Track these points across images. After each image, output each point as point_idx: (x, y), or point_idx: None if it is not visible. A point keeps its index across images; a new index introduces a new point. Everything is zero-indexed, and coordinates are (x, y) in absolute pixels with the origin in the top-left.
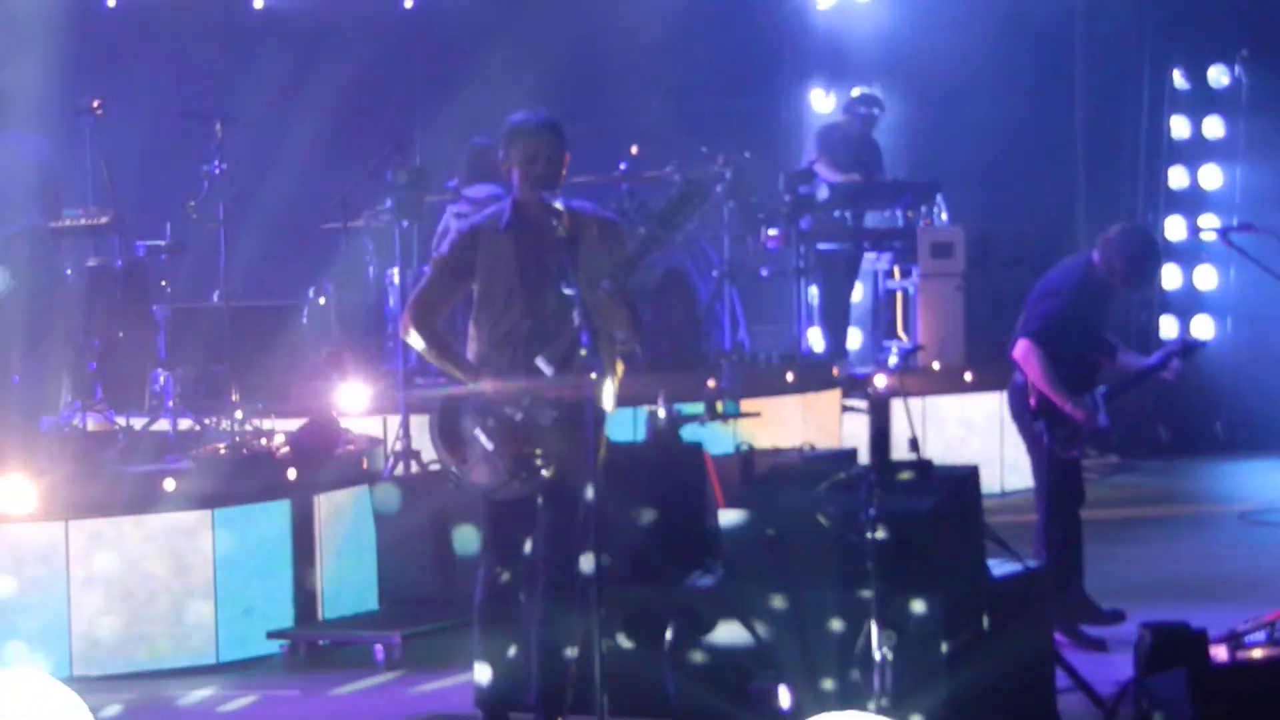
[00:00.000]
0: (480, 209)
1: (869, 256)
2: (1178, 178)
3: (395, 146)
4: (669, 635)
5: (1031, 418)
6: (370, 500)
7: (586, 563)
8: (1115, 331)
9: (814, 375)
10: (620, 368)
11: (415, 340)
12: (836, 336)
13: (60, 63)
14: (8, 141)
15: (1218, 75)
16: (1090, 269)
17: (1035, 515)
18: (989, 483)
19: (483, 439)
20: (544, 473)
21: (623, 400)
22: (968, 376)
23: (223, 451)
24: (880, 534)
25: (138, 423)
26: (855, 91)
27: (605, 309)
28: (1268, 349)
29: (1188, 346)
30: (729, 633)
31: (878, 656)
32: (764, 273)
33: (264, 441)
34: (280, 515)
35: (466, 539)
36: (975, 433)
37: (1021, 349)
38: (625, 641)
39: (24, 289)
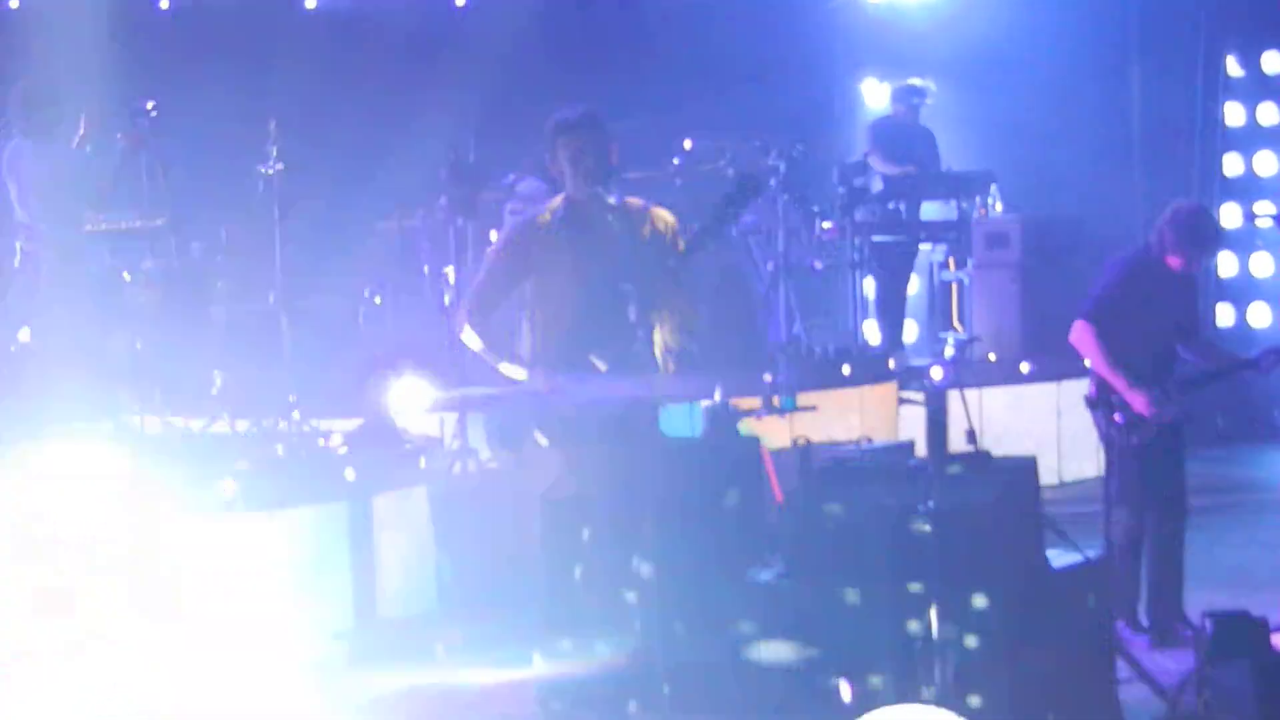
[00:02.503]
0: (529, 205)
1: (924, 248)
2: (1232, 165)
3: (449, 145)
4: (730, 630)
5: (1091, 405)
6: (428, 500)
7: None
8: None
9: (870, 368)
10: (672, 366)
11: (470, 337)
12: (892, 329)
13: (114, 65)
14: (49, 152)
15: (1272, 61)
16: (1145, 250)
17: (1095, 505)
18: (1047, 473)
19: (539, 436)
20: (601, 469)
21: (678, 394)
22: (1024, 367)
23: (281, 453)
24: (939, 527)
25: (196, 424)
26: (900, 83)
27: (668, 294)
28: None
29: None
30: (789, 627)
31: (937, 650)
32: (819, 265)
33: (322, 442)
34: (339, 516)
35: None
36: (1033, 423)
37: (1075, 330)
38: (687, 636)
39: (55, 298)
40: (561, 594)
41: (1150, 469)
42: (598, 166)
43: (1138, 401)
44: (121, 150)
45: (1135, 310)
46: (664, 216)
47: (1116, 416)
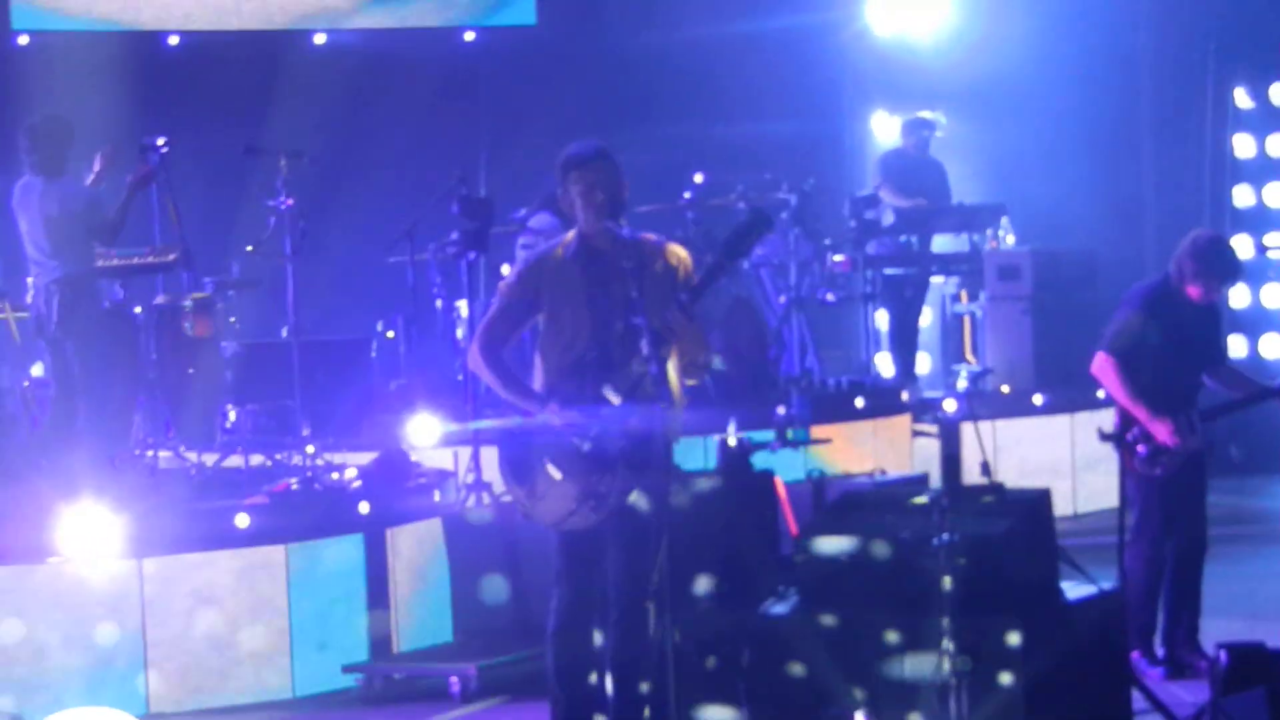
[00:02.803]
0: (541, 239)
1: (936, 280)
2: (1243, 196)
3: (459, 179)
4: (744, 662)
5: (1113, 438)
6: (443, 533)
7: (659, 592)
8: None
9: (883, 400)
10: (683, 401)
11: (483, 370)
12: (905, 361)
13: (124, 102)
14: (58, 189)
15: None
16: (1165, 280)
17: (1109, 537)
18: (1061, 505)
19: (551, 469)
20: (613, 502)
21: (692, 428)
22: (1037, 399)
23: (295, 486)
24: (954, 559)
25: (209, 458)
26: (910, 116)
27: (678, 329)
28: None
29: None
30: (804, 660)
31: (952, 682)
32: (831, 298)
33: (335, 475)
34: (353, 549)
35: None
36: (1046, 455)
37: (1097, 362)
38: (699, 669)
39: (70, 333)
40: (572, 623)
41: (1172, 501)
42: (609, 202)
43: (1161, 432)
44: (130, 185)
45: (1156, 341)
46: (676, 251)
47: (1140, 448)
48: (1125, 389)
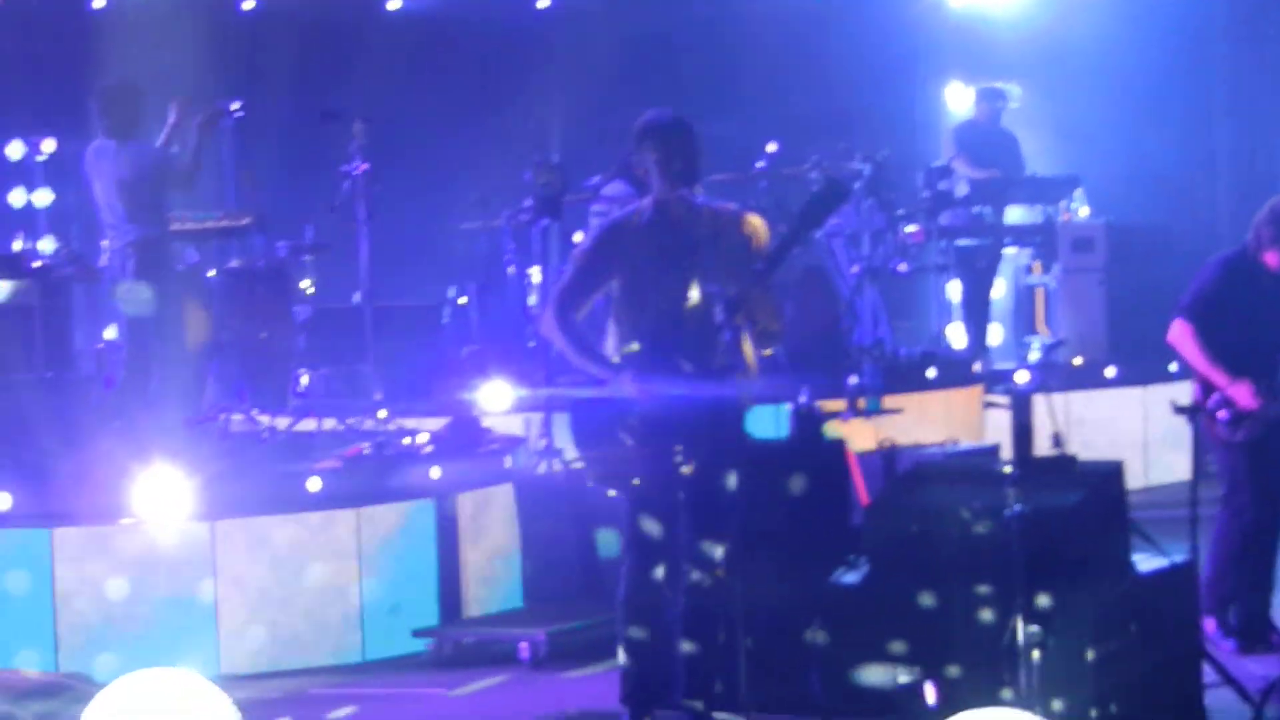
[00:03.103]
0: (615, 207)
1: (1009, 252)
2: None
3: (534, 145)
4: (814, 632)
5: (1190, 411)
6: (514, 498)
7: (730, 560)
8: None
9: (955, 371)
10: (755, 370)
11: (556, 336)
12: (977, 333)
13: (199, 67)
14: (123, 151)
15: None
16: (1243, 250)
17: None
18: (1132, 476)
19: (623, 436)
20: (685, 470)
21: (764, 397)
22: (1110, 371)
23: (366, 451)
24: (1025, 530)
25: (282, 422)
26: (984, 85)
27: (753, 298)
28: None
29: None
30: (874, 629)
31: (1023, 653)
32: (904, 269)
33: (407, 440)
34: (424, 514)
35: (609, 542)
36: (1118, 427)
37: (1174, 329)
38: (770, 639)
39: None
40: (643, 590)
41: (1255, 467)
42: (685, 170)
43: (1242, 395)
44: (198, 127)
45: (1234, 310)
46: (751, 221)
47: (1221, 414)
48: (1203, 354)
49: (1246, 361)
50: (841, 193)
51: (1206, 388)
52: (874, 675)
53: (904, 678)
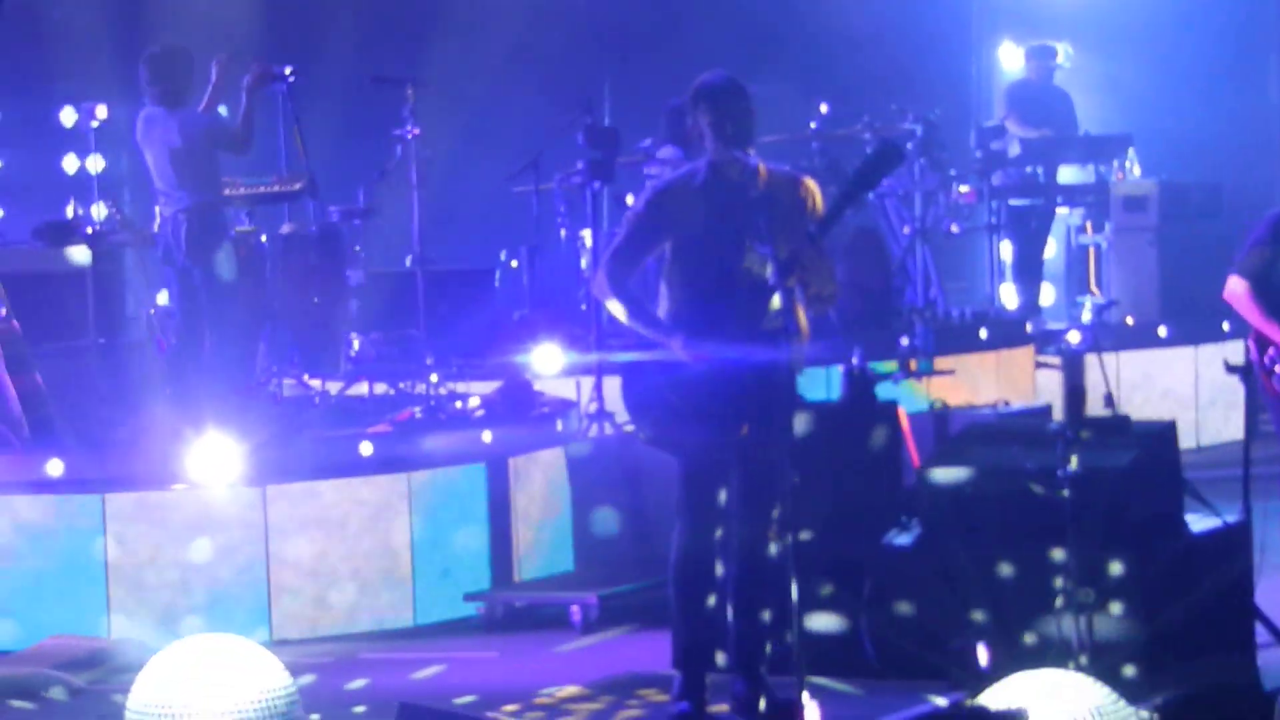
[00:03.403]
0: (667, 169)
1: (1061, 212)
2: None
3: (585, 108)
4: (866, 594)
5: (1243, 370)
6: (565, 462)
7: (782, 523)
8: None
9: (1007, 332)
10: (807, 332)
11: (608, 297)
12: (1029, 293)
13: (252, 31)
14: (172, 119)
15: None
16: None
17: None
18: (1184, 436)
19: (674, 399)
20: (738, 432)
21: (816, 359)
22: (1162, 331)
23: (418, 415)
24: (1077, 491)
25: (333, 387)
26: (1034, 44)
27: (808, 259)
28: None
29: None
30: (926, 591)
31: (1075, 614)
32: (956, 229)
33: (459, 404)
34: (476, 478)
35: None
36: (1170, 387)
37: (1229, 286)
38: (822, 600)
39: (197, 261)
40: (694, 553)
41: None
42: (738, 132)
43: None
44: (247, 88)
45: None
46: (805, 183)
47: (1278, 369)
48: (1259, 310)
49: None
50: (896, 155)
51: (1262, 344)
52: (926, 637)
53: (956, 640)
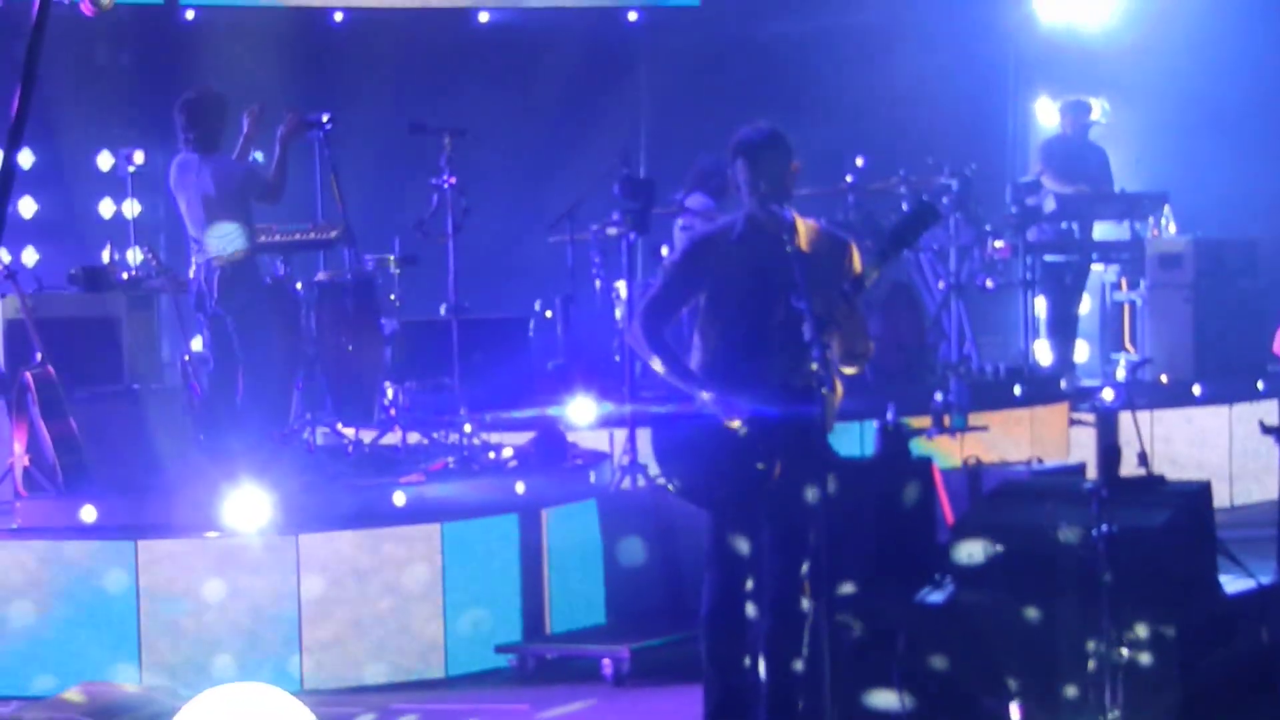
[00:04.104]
0: (701, 220)
1: (1097, 268)
2: None
3: (621, 159)
4: (899, 650)
5: (1276, 431)
6: (597, 514)
7: (815, 578)
8: None
9: (1041, 388)
10: (840, 389)
11: (642, 347)
12: (1064, 349)
13: (290, 78)
14: (207, 166)
15: None
16: None
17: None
18: (1218, 496)
19: (705, 452)
20: (768, 485)
21: (850, 414)
22: (1197, 389)
23: (451, 465)
24: (1111, 550)
25: (367, 436)
26: (1068, 99)
27: (842, 315)
28: None
29: None
30: (959, 649)
31: (1109, 674)
32: (991, 285)
33: (492, 455)
34: (508, 529)
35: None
36: (1205, 446)
37: (1277, 340)
38: (854, 658)
39: (230, 309)
40: (726, 606)
41: None
42: (772, 189)
43: None
44: (281, 139)
45: None
46: (842, 240)
47: None
48: None
49: None
50: (933, 214)
51: None
52: (959, 695)
53: (989, 699)
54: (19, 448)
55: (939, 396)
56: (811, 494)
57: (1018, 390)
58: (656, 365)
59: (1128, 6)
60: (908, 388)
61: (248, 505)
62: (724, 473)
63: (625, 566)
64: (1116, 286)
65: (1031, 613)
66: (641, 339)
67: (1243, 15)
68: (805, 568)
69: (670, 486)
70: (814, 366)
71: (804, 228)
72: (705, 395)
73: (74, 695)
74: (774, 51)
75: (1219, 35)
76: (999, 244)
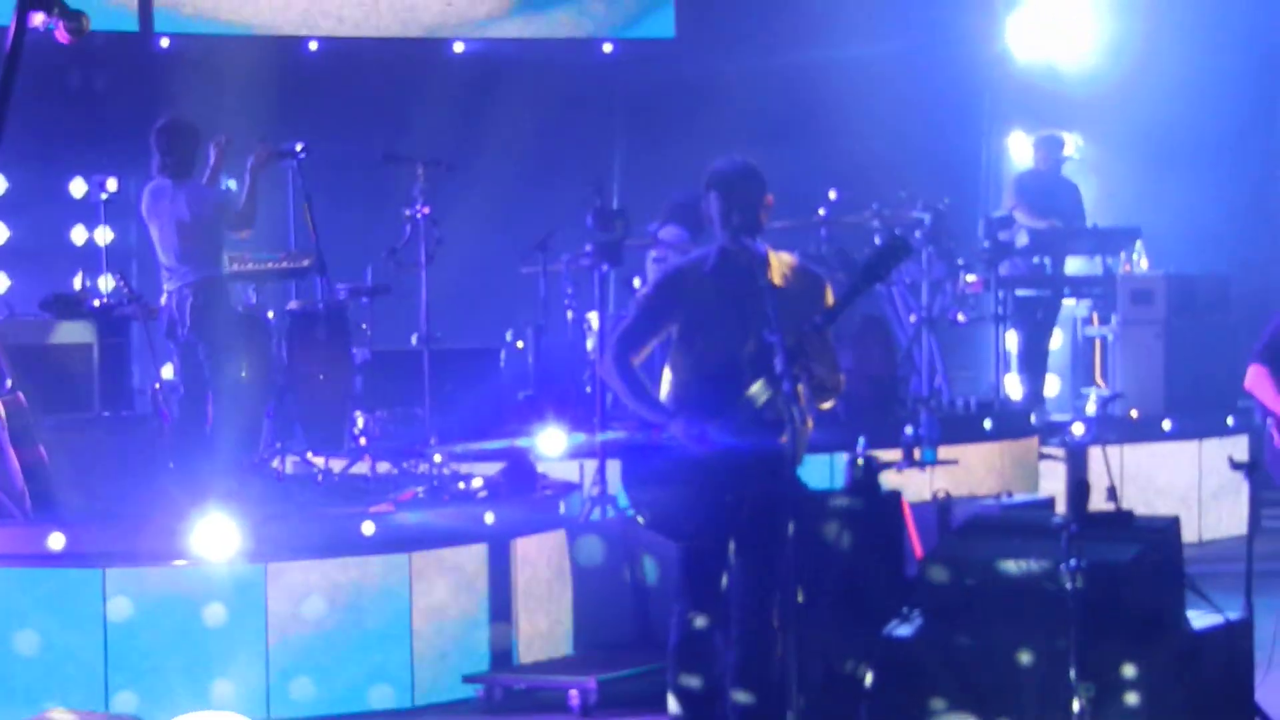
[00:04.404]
0: (672, 252)
1: (1068, 303)
2: None
3: (594, 191)
4: (867, 684)
5: (1246, 467)
6: (567, 544)
7: (783, 611)
8: None
9: (1012, 423)
10: (810, 422)
11: (613, 378)
12: (1035, 384)
13: (264, 107)
14: (182, 192)
15: None
16: None
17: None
18: (1187, 531)
19: (675, 482)
20: (737, 518)
21: (820, 446)
22: (1166, 425)
23: (421, 495)
24: (1080, 585)
25: (337, 465)
26: (1042, 133)
27: (813, 349)
28: None
29: None
30: (927, 683)
31: (1077, 709)
32: (962, 318)
33: (462, 485)
34: (478, 559)
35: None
36: (1174, 481)
37: (1250, 375)
38: (822, 691)
39: (201, 337)
40: (694, 638)
41: None
42: (744, 222)
43: None
44: (251, 169)
45: None
46: (815, 274)
47: None
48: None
49: None
50: (905, 249)
51: None
52: None
53: None
54: None
55: (909, 430)
56: (780, 527)
57: (988, 424)
58: (626, 396)
59: (1101, 44)
60: (878, 421)
61: (217, 533)
62: (692, 505)
63: (594, 597)
64: (1088, 321)
65: (1000, 647)
66: (613, 370)
67: (1214, 53)
68: (774, 600)
69: (638, 518)
70: (784, 399)
71: (779, 261)
72: (673, 426)
73: None
74: (748, 84)
75: (1191, 72)
76: (971, 278)
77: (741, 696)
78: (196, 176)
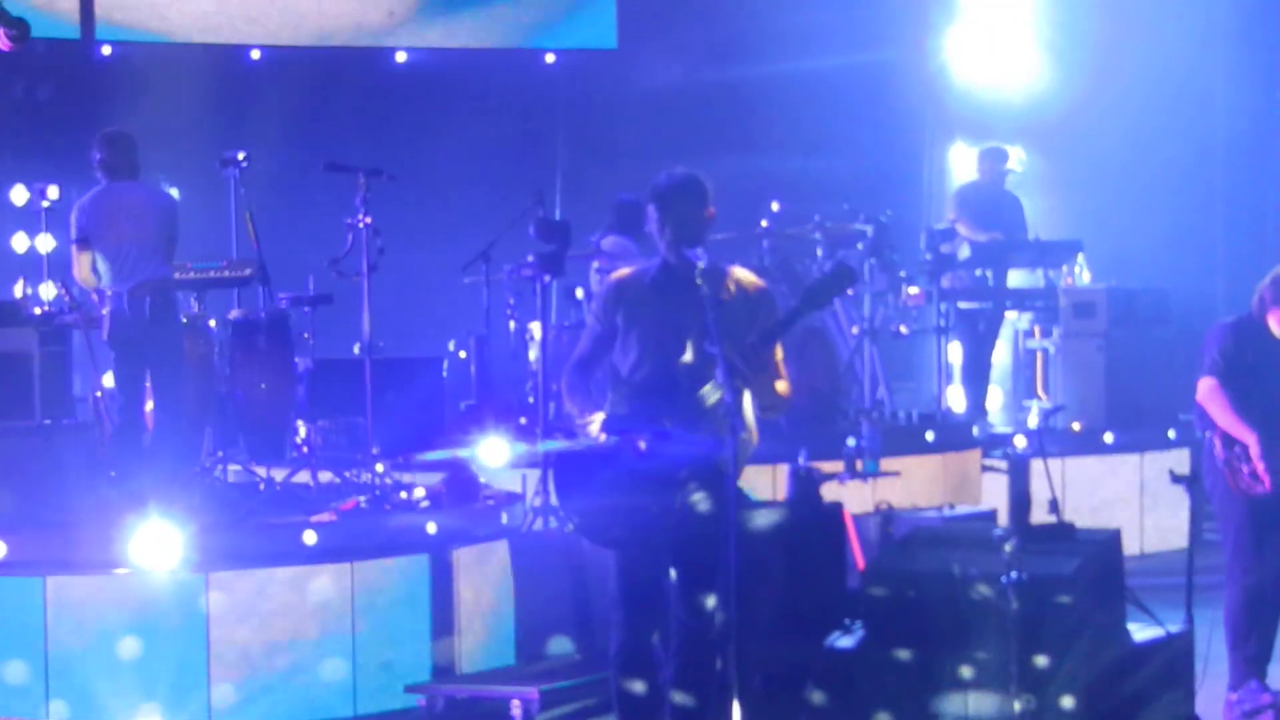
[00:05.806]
0: (614, 262)
1: (1010, 315)
2: None
3: (536, 201)
4: (808, 696)
5: (1186, 480)
6: (509, 554)
7: (723, 622)
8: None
9: (954, 435)
10: (755, 434)
11: (565, 396)
12: (977, 396)
13: (206, 115)
14: (138, 193)
15: None
16: (1248, 315)
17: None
18: (1128, 543)
19: (606, 489)
20: (669, 526)
21: (762, 458)
22: (1108, 437)
23: (363, 504)
24: (1021, 597)
25: (279, 474)
26: (986, 145)
27: (753, 367)
28: None
29: None
30: (869, 694)
31: None
32: (904, 331)
33: (404, 495)
34: (419, 569)
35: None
36: (1116, 494)
37: (1203, 388)
38: (763, 701)
39: (150, 340)
40: (634, 646)
41: (1265, 529)
42: (685, 234)
43: (1253, 444)
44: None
45: (1243, 373)
46: (755, 284)
47: (1244, 467)
48: (1234, 412)
49: (1258, 422)
50: (850, 277)
51: (1229, 441)
52: None
53: None
54: None
55: (851, 441)
56: (720, 537)
57: (930, 436)
58: (575, 414)
59: (1043, 58)
60: (820, 432)
61: (158, 542)
62: (622, 512)
63: (536, 607)
64: (1030, 334)
65: (940, 658)
66: (565, 389)
67: (1156, 70)
68: (714, 608)
69: (569, 526)
70: (725, 409)
71: (718, 271)
72: (611, 436)
73: None
74: (690, 95)
75: (1134, 88)
76: (913, 290)
77: (682, 705)
78: (142, 183)
